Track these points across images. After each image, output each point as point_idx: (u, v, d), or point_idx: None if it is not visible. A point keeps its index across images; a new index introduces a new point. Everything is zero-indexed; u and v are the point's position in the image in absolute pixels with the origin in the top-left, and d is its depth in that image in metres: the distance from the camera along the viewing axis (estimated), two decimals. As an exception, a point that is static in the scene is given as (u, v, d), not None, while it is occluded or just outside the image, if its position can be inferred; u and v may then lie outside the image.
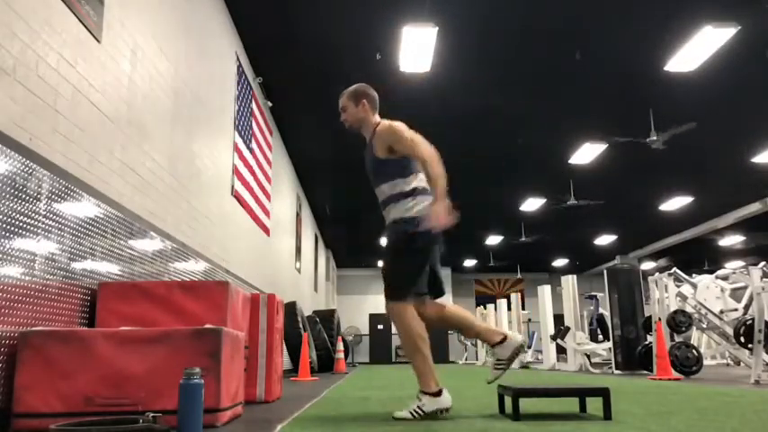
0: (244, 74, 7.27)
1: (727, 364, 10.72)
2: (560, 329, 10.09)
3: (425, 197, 2.99)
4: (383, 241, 2.68)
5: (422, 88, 8.44)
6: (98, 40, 3.35)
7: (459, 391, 4.78)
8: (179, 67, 4.81)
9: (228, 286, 3.26)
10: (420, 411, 2.79)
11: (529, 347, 13.86)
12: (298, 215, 12.58)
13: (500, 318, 14.12)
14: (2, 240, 2.38)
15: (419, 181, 3.03)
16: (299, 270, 12.51)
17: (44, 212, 2.70)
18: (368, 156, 3.17)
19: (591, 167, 11.79)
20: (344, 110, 3.19)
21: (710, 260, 21.02)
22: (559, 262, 23.09)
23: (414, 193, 3.00)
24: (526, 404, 3.18)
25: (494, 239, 18.70)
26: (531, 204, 14.63)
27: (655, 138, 9.30)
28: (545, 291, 11.33)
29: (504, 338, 3.00)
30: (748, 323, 6.16)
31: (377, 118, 3.17)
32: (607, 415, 2.68)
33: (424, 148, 2.96)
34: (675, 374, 6.72)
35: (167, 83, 4.51)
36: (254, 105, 7.78)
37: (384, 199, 3.08)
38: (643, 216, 15.86)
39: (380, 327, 23.61)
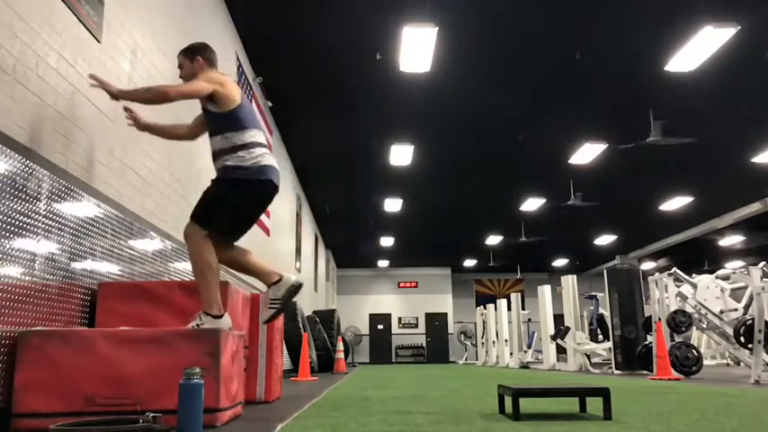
0: (244, 74, 7.27)
1: (727, 364, 10.73)
2: (560, 329, 10.09)
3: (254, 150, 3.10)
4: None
5: (422, 88, 8.44)
6: (98, 40, 3.35)
7: (460, 391, 4.78)
8: (179, 67, 4.80)
9: (228, 286, 3.26)
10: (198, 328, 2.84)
11: (529, 347, 13.86)
12: (298, 215, 12.58)
13: (500, 318, 14.12)
14: (2, 240, 2.38)
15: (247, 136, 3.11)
16: (299, 270, 12.51)
17: (44, 212, 2.70)
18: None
19: (591, 167, 11.79)
20: (181, 67, 3.25)
21: (710, 260, 21.01)
22: (559, 262, 23.09)
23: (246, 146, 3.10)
24: (526, 404, 3.18)
25: (494, 239, 18.70)
26: (531, 204, 14.63)
27: (655, 137, 9.29)
28: (545, 291, 11.33)
29: (280, 279, 3.11)
30: (748, 323, 6.16)
31: (211, 72, 3.21)
32: (607, 415, 2.68)
33: (182, 87, 3.08)
34: (675, 374, 6.72)
35: (167, 82, 4.51)
36: (254, 105, 7.78)
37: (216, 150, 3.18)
38: (643, 216, 15.85)
39: (380, 327, 23.63)
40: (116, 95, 3.04)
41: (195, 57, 3.21)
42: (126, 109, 3.32)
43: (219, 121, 3.08)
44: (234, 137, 3.07)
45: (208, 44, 3.29)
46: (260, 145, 3.13)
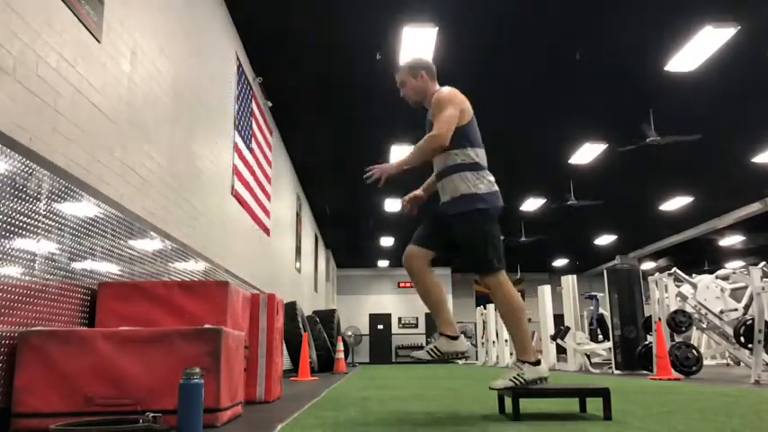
0: (244, 74, 7.27)
1: (727, 364, 10.72)
2: (560, 329, 10.08)
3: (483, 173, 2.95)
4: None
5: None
6: (98, 40, 3.35)
7: (460, 391, 4.78)
8: (179, 67, 4.81)
9: (228, 286, 3.26)
10: (521, 379, 2.78)
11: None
12: (298, 215, 12.58)
13: (500, 318, 14.11)
14: (2, 240, 2.38)
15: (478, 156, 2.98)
16: (299, 270, 12.51)
17: (44, 212, 2.70)
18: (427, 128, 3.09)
19: (591, 167, 11.79)
20: (403, 85, 3.15)
21: (710, 260, 21.02)
22: (559, 262, 23.08)
23: (474, 167, 2.95)
24: (526, 404, 3.18)
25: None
26: (531, 204, 14.63)
27: (655, 137, 9.29)
28: (545, 291, 11.32)
29: (457, 338, 2.96)
30: (748, 323, 6.16)
31: (435, 86, 3.12)
32: (607, 415, 2.68)
33: (440, 124, 2.89)
34: (675, 374, 6.72)
35: (167, 83, 4.51)
36: (254, 105, 7.77)
37: (440, 169, 3.01)
38: (643, 216, 15.85)
39: (380, 327, 23.62)
40: (396, 171, 2.89)
41: (419, 73, 3.12)
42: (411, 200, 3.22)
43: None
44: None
45: (426, 58, 3.20)
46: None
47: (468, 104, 3.05)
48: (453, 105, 2.95)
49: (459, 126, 2.96)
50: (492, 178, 3.00)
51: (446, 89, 3.06)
